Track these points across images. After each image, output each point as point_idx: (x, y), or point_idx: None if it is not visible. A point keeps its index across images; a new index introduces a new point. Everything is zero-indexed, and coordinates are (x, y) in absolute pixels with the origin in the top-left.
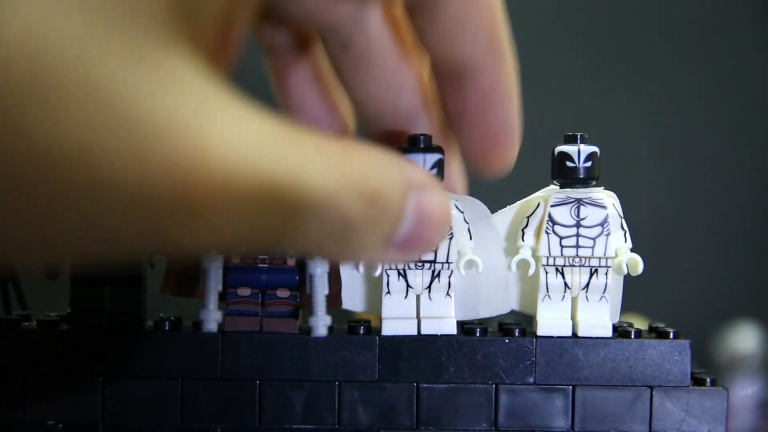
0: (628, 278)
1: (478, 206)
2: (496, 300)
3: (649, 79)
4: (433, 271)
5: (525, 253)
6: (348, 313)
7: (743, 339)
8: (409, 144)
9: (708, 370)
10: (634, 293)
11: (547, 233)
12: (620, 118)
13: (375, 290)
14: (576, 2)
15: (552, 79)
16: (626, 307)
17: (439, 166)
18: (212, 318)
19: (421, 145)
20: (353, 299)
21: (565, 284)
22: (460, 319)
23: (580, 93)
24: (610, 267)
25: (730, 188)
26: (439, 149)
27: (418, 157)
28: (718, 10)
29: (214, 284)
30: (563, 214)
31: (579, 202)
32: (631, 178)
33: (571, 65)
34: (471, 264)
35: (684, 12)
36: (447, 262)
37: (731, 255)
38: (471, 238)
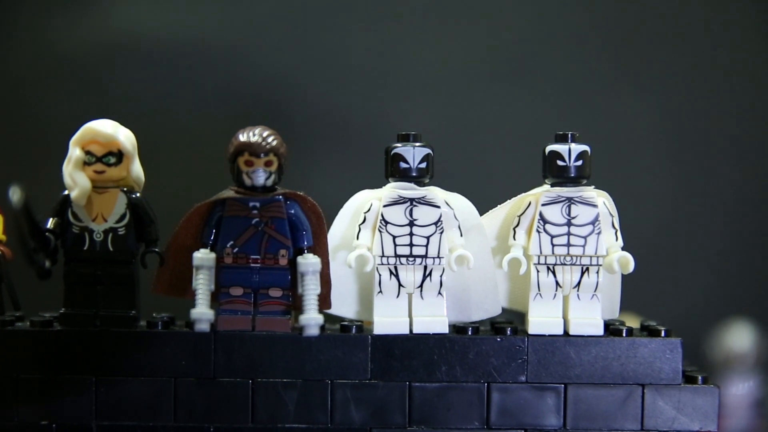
0: (623, 276)
1: (468, 207)
2: (487, 303)
3: (647, 77)
4: (425, 268)
5: (516, 252)
6: None
7: (738, 338)
8: (399, 140)
9: (703, 369)
10: (628, 292)
11: (538, 232)
12: (614, 116)
13: (365, 295)
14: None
15: (545, 78)
16: (620, 305)
17: (427, 160)
18: (205, 318)
19: (411, 141)
20: (343, 304)
21: (557, 283)
22: (453, 322)
23: (574, 91)
24: (601, 265)
25: (724, 187)
26: (427, 144)
27: (408, 152)
28: (724, 7)
29: (207, 284)
30: (554, 213)
31: (570, 200)
32: (625, 176)
33: (566, 63)
34: (462, 260)
35: (688, 8)
36: (438, 257)
37: (726, 253)
38: (461, 235)
